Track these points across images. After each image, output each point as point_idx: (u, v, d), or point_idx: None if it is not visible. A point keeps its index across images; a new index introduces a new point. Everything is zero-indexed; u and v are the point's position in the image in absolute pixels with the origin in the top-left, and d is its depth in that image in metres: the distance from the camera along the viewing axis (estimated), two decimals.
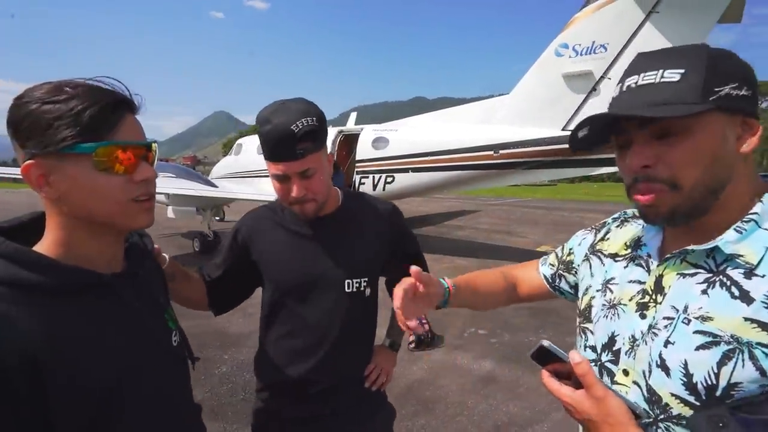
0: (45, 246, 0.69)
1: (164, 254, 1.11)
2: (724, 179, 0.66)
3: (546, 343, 0.72)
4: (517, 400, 3.08)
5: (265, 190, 10.14)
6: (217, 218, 11.93)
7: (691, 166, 0.65)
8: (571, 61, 6.60)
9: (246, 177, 11.43)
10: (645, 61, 0.69)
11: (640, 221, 0.86)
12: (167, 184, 7.70)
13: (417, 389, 3.24)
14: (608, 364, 0.77)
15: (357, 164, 9.02)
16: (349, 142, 9.89)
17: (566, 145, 6.80)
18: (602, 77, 6.37)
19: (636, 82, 0.67)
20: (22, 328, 0.60)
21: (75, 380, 0.63)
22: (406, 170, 8.22)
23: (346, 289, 1.17)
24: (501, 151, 7.13)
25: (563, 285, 1.04)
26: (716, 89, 0.63)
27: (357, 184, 9.05)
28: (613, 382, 0.75)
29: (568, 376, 0.70)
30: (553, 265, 1.07)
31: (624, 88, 0.69)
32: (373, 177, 8.73)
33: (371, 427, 1.27)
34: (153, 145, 0.75)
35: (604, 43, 6.29)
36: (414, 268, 0.85)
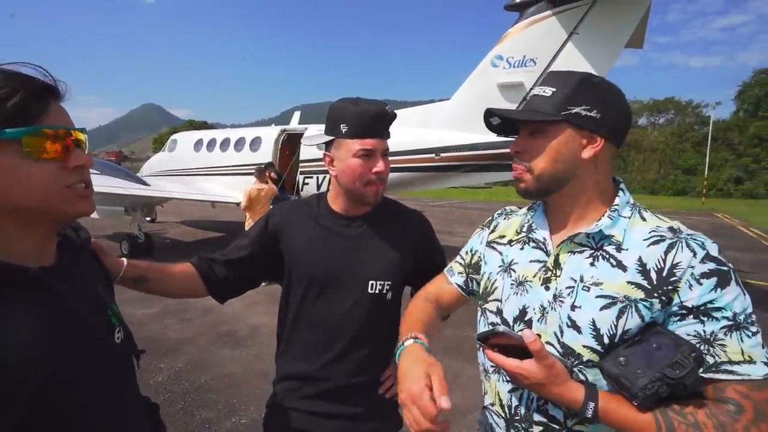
0: None
1: (123, 258, 1.07)
2: (566, 173, 0.88)
3: (502, 328, 0.84)
4: (459, 390, 3.27)
5: (203, 189, 9.65)
6: (149, 218, 11.09)
7: (541, 158, 0.89)
8: (506, 72, 7.08)
9: (182, 175, 10.77)
10: (547, 77, 0.93)
11: (523, 211, 1.08)
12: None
13: None
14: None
15: (300, 164, 8.91)
16: (293, 141, 9.73)
17: (502, 150, 7.35)
18: (532, 89, 6.91)
19: (535, 91, 0.93)
20: None
21: (5, 379, 0.60)
22: None
23: (369, 290, 1.20)
24: (442, 155, 7.46)
25: (475, 287, 1.13)
26: (569, 107, 0.85)
27: (301, 184, 8.94)
28: None
29: (509, 351, 0.84)
30: (461, 273, 1.16)
31: (530, 94, 0.95)
32: (317, 177, 8.69)
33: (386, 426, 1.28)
34: (83, 132, 0.72)
35: (534, 57, 6.83)
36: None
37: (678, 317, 0.78)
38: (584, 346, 0.83)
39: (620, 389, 0.76)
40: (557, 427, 0.86)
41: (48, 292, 0.68)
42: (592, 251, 0.87)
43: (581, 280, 0.86)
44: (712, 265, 0.77)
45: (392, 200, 1.38)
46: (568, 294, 0.86)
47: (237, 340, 4.29)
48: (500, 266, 1.02)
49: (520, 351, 0.81)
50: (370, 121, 1.15)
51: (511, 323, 0.94)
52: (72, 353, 0.68)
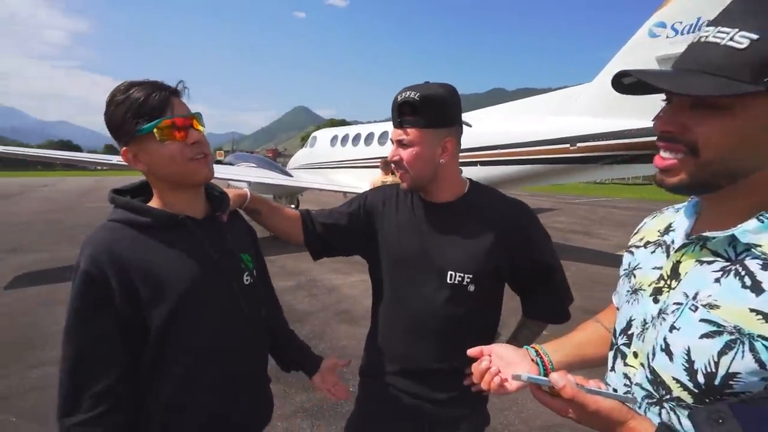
0: (152, 202, 0.97)
1: (246, 190, 1.29)
2: (749, 165, 0.61)
3: (525, 376, 0.72)
4: None
5: (335, 181, 10.64)
6: (293, 206, 12.81)
7: (717, 143, 0.60)
8: (669, 41, 5.84)
9: (319, 168, 12.06)
10: (732, 10, 0.60)
11: (678, 206, 0.83)
12: (249, 173, 8.45)
13: None
14: (622, 347, 0.77)
15: None
16: None
17: (655, 138, 6.07)
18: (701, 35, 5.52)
19: (707, 37, 0.61)
20: (123, 250, 0.86)
21: (151, 286, 0.87)
22: (474, 163, 8.01)
23: (448, 280, 1.17)
24: (578, 144, 6.61)
25: None
26: None
27: None
28: (625, 364, 0.75)
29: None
30: (618, 292, 1.00)
31: (696, 39, 0.63)
32: None
33: (460, 425, 1.26)
34: (195, 115, 0.94)
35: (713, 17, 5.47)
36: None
37: None
38: (674, 379, 0.64)
39: None
40: None
41: (191, 235, 0.95)
42: (725, 263, 0.63)
43: (694, 298, 0.65)
44: None
45: (491, 190, 1.29)
46: (673, 311, 0.66)
47: (353, 318, 4.64)
48: (625, 270, 0.86)
49: None
50: (392, 112, 1.17)
51: (617, 335, 0.80)
52: (203, 280, 0.93)
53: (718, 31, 0.59)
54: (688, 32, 5.69)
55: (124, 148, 0.92)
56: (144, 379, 0.90)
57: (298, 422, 2.71)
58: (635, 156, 6.30)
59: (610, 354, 0.81)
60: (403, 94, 1.13)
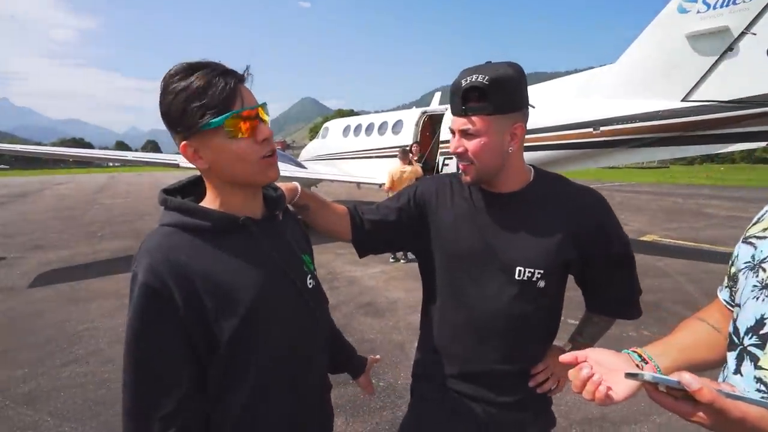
0: (206, 201, 0.88)
1: (297, 185, 1.21)
2: None
3: (648, 375, 0.61)
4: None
5: (350, 172, 10.55)
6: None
7: None
8: (700, 17, 5.55)
9: (332, 159, 11.97)
10: None
11: None
12: None
13: None
14: (752, 348, 0.69)
15: (441, 145, 8.85)
16: (433, 122, 9.73)
17: (686, 119, 5.89)
18: (743, 33, 5.25)
19: None
20: (183, 258, 0.78)
21: (219, 298, 0.79)
22: None
23: (516, 276, 1.08)
24: (602, 128, 6.39)
25: None
26: None
27: (441, 166, 8.91)
28: (757, 367, 0.67)
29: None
30: (727, 286, 0.90)
31: None
32: None
33: (525, 429, 1.19)
34: (264, 106, 0.85)
35: None
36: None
37: None
38: None
39: None
40: None
41: (252, 237, 0.86)
42: None
43: None
44: None
45: (559, 177, 1.19)
46: None
47: (377, 310, 4.58)
48: (747, 263, 0.76)
49: None
50: (451, 98, 1.07)
51: (743, 334, 0.70)
52: (271, 286, 0.86)
53: None
54: (721, 6, 5.39)
55: (184, 143, 0.81)
56: (215, 390, 0.83)
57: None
58: (662, 138, 6.07)
59: (732, 355, 0.73)
60: (469, 78, 1.01)
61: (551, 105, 7.06)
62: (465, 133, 1.06)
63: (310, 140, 14.59)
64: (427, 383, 1.26)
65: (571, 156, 7.00)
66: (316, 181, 10.80)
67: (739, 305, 0.75)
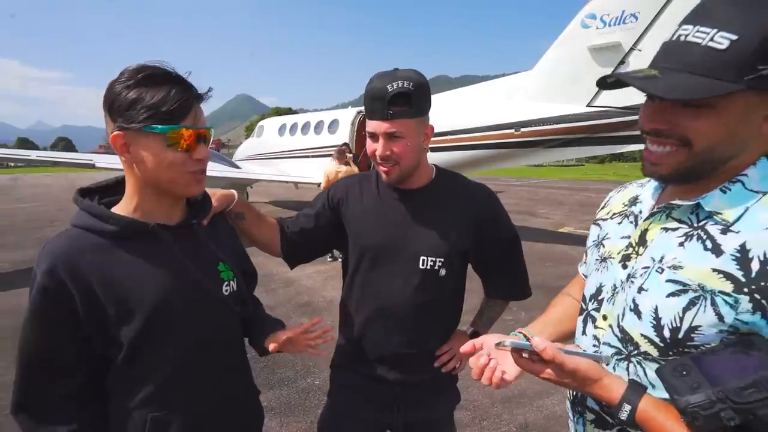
0: (122, 202, 0.89)
1: (234, 192, 1.20)
2: (732, 154, 0.67)
3: (508, 342, 0.75)
4: (528, 375, 3.13)
5: (285, 171, 10.33)
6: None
7: (705, 137, 0.65)
8: (598, 32, 6.29)
9: (268, 158, 11.63)
10: (710, 10, 0.63)
11: (642, 182, 0.90)
12: None
13: None
14: (593, 312, 0.84)
15: None
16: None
17: (591, 123, 6.62)
18: (632, 49, 6.05)
19: (686, 36, 0.64)
20: (85, 263, 0.79)
21: (119, 303, 0.81)
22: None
23: (421, 265, 1.18)
24: (522, 129, 6.97)
25: None
26: (760, 67, 0.59)
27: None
28: (595, 327, 0.82)
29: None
30: (584, 262, 1.05)
31: (674, 37, 0.67)
32: None
33: (433, 405, 1.31)
34: (210, 130, 0.89)
35: (635, 12, 5.95)
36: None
37: None
38: (642, 335, 0.71)
39: (672, 402, 0.63)
40: (608, 419, 0.77)
41: (163, 245, 0.87)
42: (689, 229, 0.70)
43: (660, 261, 0.71)
44: None
45: (456, 174, 1.32)
46: (641, 274, 0.74)
47: (314, 310, 4.59)
48: (594, 241, 0.92)
49: None
50: (371, 103, 1.11)
51: (587, 301, 0.86)
52: (176, 295, 0.86)
53: (698, 31, 0.63)
54: (615, 24, 6.15)
55: (117, 133, 0.81)
56: (119, 396, 0.85)
57: (266, 422, 2.67)
58: (572, 140, 6.77)
59: (580, 319, 0.89)
60: (394, 84, 1.07)
61: (478, 107, 7.54)
62: (391, 137, 1.11)
63: (246, 138, 14.03)
64: (343, 371, 1.34)
65: (497, 155, 7.54)
66: (251, 182, 10.44)
67: (586, 277, 0.92)
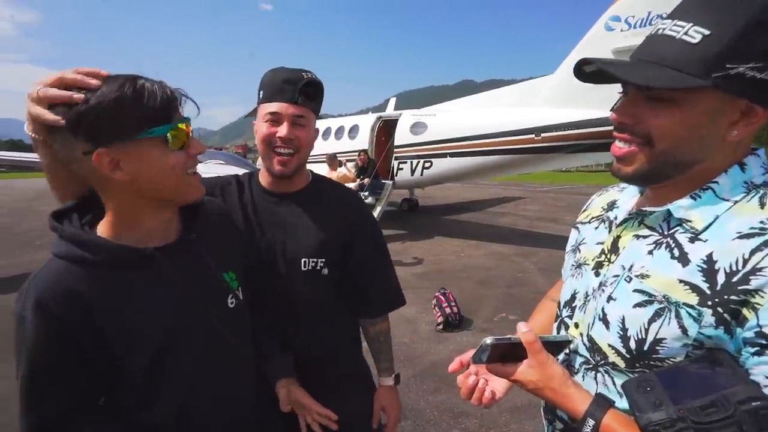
0: (106, 224, 0.79)
1: None
2: (696, 157, 0.65)
3: (490, 340, 0.72)
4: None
5: None
6: None
7: (669, 134, 0.63)
8: (623, 35, 6.11)
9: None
10: (688, 5, 0.63)
11: (623, 185, 0.89)
12: (217, 171, 8.20)
13: (440, 367, 3.31)
14: (566, 319, 0.83)
15: (395, 150, 9.05)
16: (388, 127, 9.93)
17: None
18: (658, 26, 5.83)
19: (664, 29, 0.63)
20: (80, 292, 0.72)
21: (125, 337, 0.75)
22: (443, 155, 8.14)
23: (302, 267, 1.16)
24: (543, 135, 6.84)
25: None
26: (729, 65, 0.57)
27: (395, 170, 9.11)
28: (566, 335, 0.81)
29: (514, 359, 0.73)
30: (565, 267, 1.03)
31: (654, 31, 0.66)
32: (411, 162, 8.74)
33: (350, 402, 1.24)
34: (188, 121, 0.81)
35: (662, 13, 5.75)
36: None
37: (754, 348, 0.56)
38: (609, 346, 0.70)
39: (634, 418, 0.61)
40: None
41: (161, 268, 0.79)
42: (658, 237, 0.69)
43: (629, 269, 0.70)
44: None
45: (324, 178, 1.33)
46: (611, 283, 0.72)
47: None
48: (572, 246, 0.91)
49: (525, 352, 0.71)
50: (280, 84, 1.09)
51: (562, 307, 0.86)
52: (180, 319, 0.81)
53: (675, 24, 0.62)
54: (640, 26, 5.96)
55: (101, 150, 0.70)
56: (132, 421, 0.82)
57: None
58: (596, 144, 6.58)
59: (555, 325, 0.88)
60: (308, 74, 1.10)
61: (498, 112, 7.46)
62: (296, 122, 1.10)
63: None
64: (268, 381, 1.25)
65: (517, 160, 7.42)
66: None
67: (564, 282, 0.90)
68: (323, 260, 1.18)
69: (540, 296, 1.32)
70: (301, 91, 1.08)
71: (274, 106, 1.09)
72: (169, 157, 0.76)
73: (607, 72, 0.65)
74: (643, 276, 0.68)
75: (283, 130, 1.09)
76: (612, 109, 0.70)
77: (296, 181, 1.21)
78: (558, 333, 0.86)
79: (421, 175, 8.58)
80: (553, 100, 6.90)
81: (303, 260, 1.17)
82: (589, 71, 0.71)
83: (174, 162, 0.76)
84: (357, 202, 1.33)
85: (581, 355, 0.76)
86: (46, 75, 0.72)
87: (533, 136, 6.95)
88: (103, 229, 0.80)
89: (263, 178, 1.23)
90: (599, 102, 6.39)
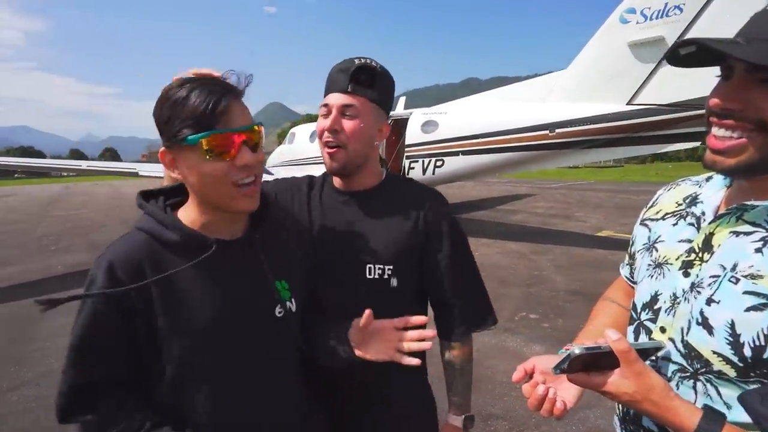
0: (185, 210, 0.85)
1: None
2: None
3: (578, 350, 0.65)
4: None
5: None
6: None
7: None
8: (639, 27, 5.98)
9: (298, 164, 11.88)
10: None
11: (697, 179, 0.83)
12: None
13: None
14: (647, 323, 0.77)
15: (406, 149, 8.99)
16: (399, 127, 9.87)
17: (632, 121, 6.30)
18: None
19: None
20: (146, 264, 0.77)
21: (173, 315, 0.77)
22: (455, 153, 8.06)
23: (368, 275, 1.04)
24: (557, 130, 6.73)
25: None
26: None
27: (406, 169, 9.05)
28: (650, 339, 0.75)
29: (602, 365, 0.66)
30: (628, 264, 0.97)
31: (764, 9, 0.61)
32: (423, 161, 8.67)
33: (404, 424, 1.12)
34: (256, 127, 0.79)
35: (680, 3, 5.63)
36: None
37: None
38: (715, 353, 0.63)
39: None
40: None
41: (221, 259, 0.81)
42: (766, 234, 0.63)
43: (732, 269, 0.64)
44: None
45: (408, 178, 1.22)
46: (710, 284, 0.66)
47: None
48: (644, 244, 0.84)
49: (613, 361, 0.65)
50: (335, 75, 1.02)
51: (639, 310, 0.79)
52: (227, 314, 0.81)
53: None
54: (657, 17, 5.83)
55: (163, 150, 0.79)
56: (168, 410, 0.81)
57: None
58: (612, 140, 6.47)
59: (631, 329, 0.81)
60: (363, 60, 1.02)
61: (511, 108, 7.37)
62: (345, 112, 1.02)
63: (279, 145, 14.42)
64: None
65: (531, 157, 7.32)
66: None
67: (636, 283, 0.84)
68: (391, 267, 1.05)
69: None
70: (352, 78, 1.00)
71: (326, 99, 1.04)
72: (206, 165, 0.75)
73: (713, 51, 0.59)
74: (754, 276, 0.61)
75: (329, 122, 1.02)
76: (712, 95, 0.64)
77: (363, 178, 1.11)
78: (636, 338, 0.80)
79: (433, 174, 8.51)
80: (568, 95, 6.79)
81: (369, 266, 1.05)
82: (685, 53, 0.65)
83: (211, 171, 0.75)
84: (436, 201, 1.14)
85: (675, 363, 0.70)
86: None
87: (547, 132, 6.85)
88: (182, 213, 0.85)
89: (336, 178, 1.14)
90: (616, 95, 6.28)
